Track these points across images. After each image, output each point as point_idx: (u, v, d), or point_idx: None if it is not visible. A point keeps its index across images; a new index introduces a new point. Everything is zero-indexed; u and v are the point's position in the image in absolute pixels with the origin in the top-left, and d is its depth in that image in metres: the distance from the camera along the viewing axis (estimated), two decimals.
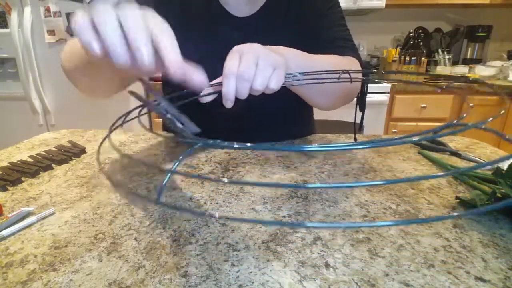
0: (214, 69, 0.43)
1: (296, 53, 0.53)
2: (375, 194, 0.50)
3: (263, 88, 0.42)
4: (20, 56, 1.69)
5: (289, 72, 0.50)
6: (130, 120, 0.31)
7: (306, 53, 0.55)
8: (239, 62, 0.41)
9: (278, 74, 0.42)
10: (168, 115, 0.30)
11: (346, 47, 0.67)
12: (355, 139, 0.72)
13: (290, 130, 0.77)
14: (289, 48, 0.52)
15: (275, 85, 0.42)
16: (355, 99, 0.73)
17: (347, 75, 0.50)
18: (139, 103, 0.33)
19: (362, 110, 0.69)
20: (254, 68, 0.41)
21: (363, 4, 1.90)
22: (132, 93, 0.36)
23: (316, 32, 0.68)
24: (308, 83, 0.54)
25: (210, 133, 0.92)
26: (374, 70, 2.25)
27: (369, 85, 2.01)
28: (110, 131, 0.28)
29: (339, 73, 0.50)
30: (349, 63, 0.64)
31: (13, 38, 1.67)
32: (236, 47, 0.43)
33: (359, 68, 0.65)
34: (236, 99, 0.42)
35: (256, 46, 0.44)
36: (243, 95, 0.41)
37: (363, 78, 0.69)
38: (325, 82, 0.52)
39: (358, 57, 0.67)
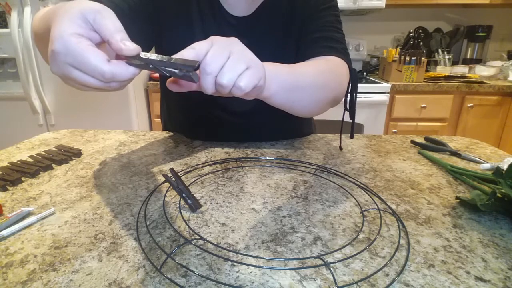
0: None
1: (280, 71, 0.48)
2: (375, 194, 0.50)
3: (230, 85, 0.36)
4: (20, 56, 1.69)
5: (270, 91, 0.45)
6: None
7: (291, 69, 0.50)
8: (206, 51, 0.35)
9: (251, 73, 0.37)
10: (184, 194, 0.45)
11: (334, 48, 0.62)
12: (341, 148, 0.70)
13: (290, 129, 0.78)
14: (274, 64, 0.48)
15: (245, 84, 0.36)
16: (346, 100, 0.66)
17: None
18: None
19: (352, 112, 0.63)
20: (223, 60, 0.36)
21: (363, 4, 1.90)
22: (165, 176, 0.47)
23: (307, 31, 0.64)
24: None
25: (210, 128, 0.90)
26: None
27: (367, 85, 1.99)
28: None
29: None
30: (336, 69, 0.59)
31: (13, 38, 1.67)
32: (212, 36, 0.38)
33: (346, 72, 0.61)
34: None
35: (234, 40, 0.39)
36: (207, 89, 0.36)
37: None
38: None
39: (347, 60, 0.62)
